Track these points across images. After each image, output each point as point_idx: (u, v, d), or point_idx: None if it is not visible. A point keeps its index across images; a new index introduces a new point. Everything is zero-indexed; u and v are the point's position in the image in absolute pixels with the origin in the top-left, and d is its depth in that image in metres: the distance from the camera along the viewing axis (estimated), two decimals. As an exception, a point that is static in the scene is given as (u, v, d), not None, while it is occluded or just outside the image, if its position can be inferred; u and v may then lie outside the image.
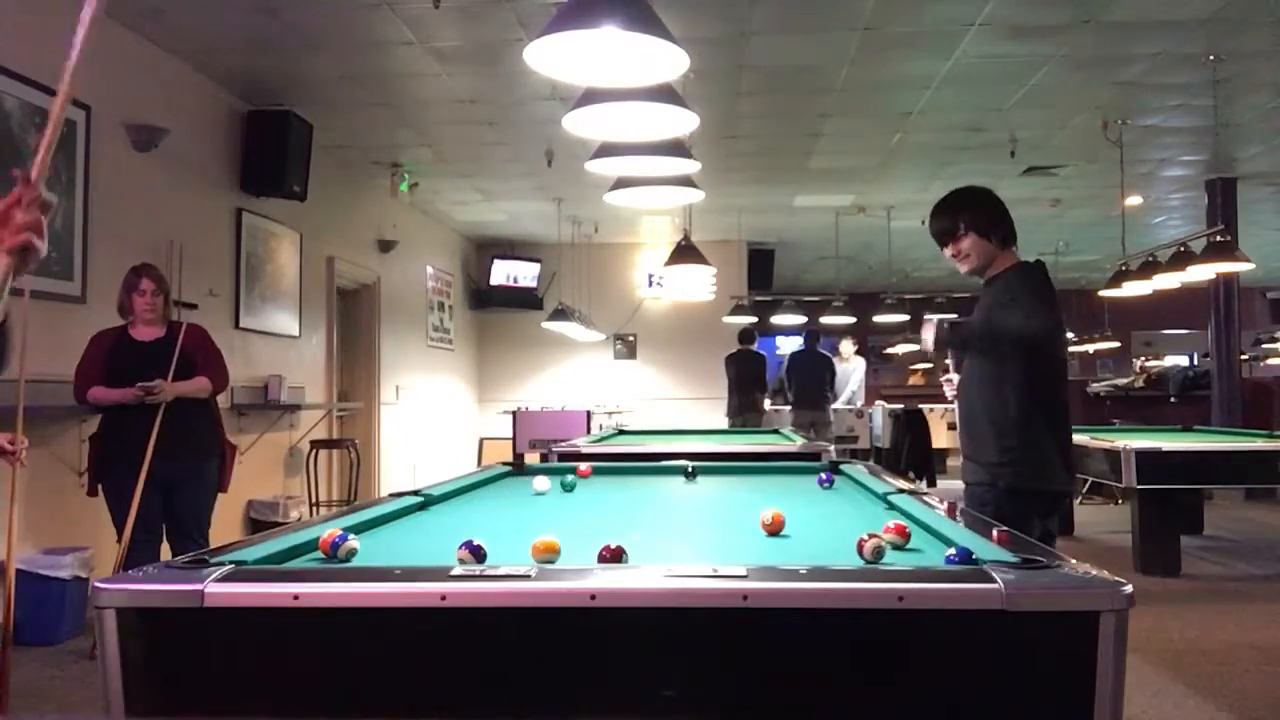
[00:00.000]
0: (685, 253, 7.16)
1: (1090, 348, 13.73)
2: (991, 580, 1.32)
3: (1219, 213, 8.69)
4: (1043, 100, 6.81)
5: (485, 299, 11.93)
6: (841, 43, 5.77)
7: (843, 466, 3.43)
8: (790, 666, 1.33)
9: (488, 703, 1.35)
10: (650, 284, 12.26)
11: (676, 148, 4.06)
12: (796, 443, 5.01)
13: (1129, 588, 1.30)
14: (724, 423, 9.79)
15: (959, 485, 3.20)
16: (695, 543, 2.20)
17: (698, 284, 9.29)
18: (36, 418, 4.29)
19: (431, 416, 10.51)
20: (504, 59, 5.84)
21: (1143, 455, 5.52)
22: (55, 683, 3.90)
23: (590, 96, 3.17)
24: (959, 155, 8.32)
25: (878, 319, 11.69)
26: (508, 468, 3.54)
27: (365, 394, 8.95)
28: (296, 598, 1.35)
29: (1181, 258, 7.13)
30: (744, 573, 1.35)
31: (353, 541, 1.72)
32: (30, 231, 1.35)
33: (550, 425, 9.39)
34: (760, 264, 12.55)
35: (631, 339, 12.45)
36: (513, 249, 12.06)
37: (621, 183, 4.65)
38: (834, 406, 10.23)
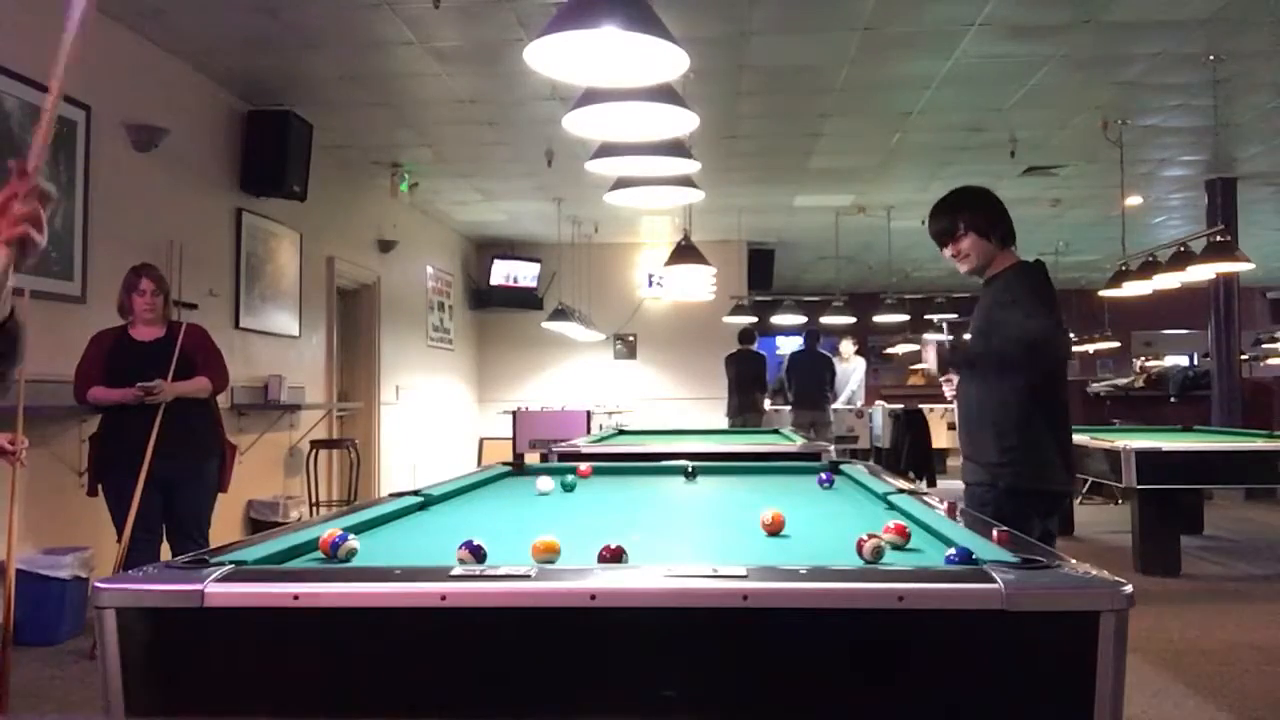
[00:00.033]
0: (685, 253, 7.16)
1: (1090, 348, 13.73)
2: (991, 580, 1.32)
3: (1219, 213, 8.69)
4: (1043, 100, 6.81)
5: (485, 299, 11.93)
6: (841, 43, 5.77)
7: (843, 466, 3.43)
8: (790, 666, 1.33)
9: (488, 703, 1.35)
10: (650, 284, 12.27)
11: (676, 148, 4.06)
12: (796, 443, 5.01)
13: (1129, 588, 1.30)
14: (724, 423, 9.79)
15: (959, 485, 3.21)
16: (695, 543, 2.20)
17: (698, 284, 9.30)
18: (36, 418, 4.30)
19: (431, 416, 10.51)
20: (504, 59, 5.84)
21: (1143, 455, 5.52)
22: (55, 683, 3.90)
23: (590, 96, 3.17)
24: (959, 155, 8.32)
25: (878, 319, 11.69)
26: (508, 468, 3.53)
27: (365, 394, 8.95)
28: (296, 598, 1.35)
29: (1181, 258, 7.13)
30: (744, 573, 1.35)
31: (353, 541, 1.72)
32: (28, 223, 1.33)
33: (550, 425, 9.39)
34: (760, 264, 12.55)
35: (631, 339, 12.45)
36: (513, 249, 12.06)
37: (621, 183, 4.65)
38: (834, 406, 10.23)
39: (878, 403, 11.75)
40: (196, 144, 6.16)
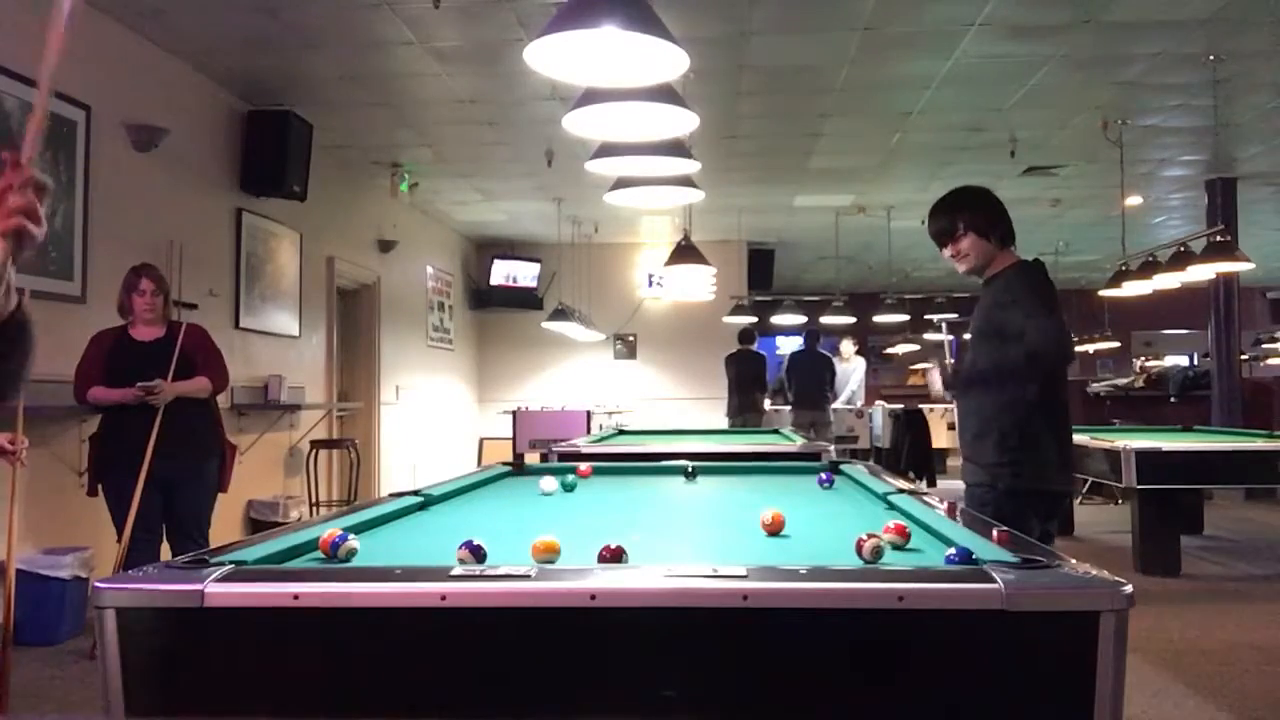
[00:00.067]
0: (685, 253, 7.16)
1: (1090, 348, 13.73)
2: (991, 580, 1.32)
3: (1219, 213, 8.69)
4: (1043, 100, 6.81)
5: (485, 299, 11.93)
6: (841, 43, 5.77)
7: (843, 466, 3.43)
8: (790, 666, 1.33)
9: (488, 703, 1.35)
10: (650, 284, 12.27)
11: (676, 148, 4.06)
12: (796, 443, 5.01)
13: (1129, 588, 1.30)
14: (724, 423, 9.79)
15: (959, 485, 3.21)
16: (695, 543, 2.20)
17: (698, 284, 9.30)
18: (36, 418, 4.30)
19: (431, 416, 10.51)
20: (504, 59, 5.84)
21: (1143, 455, 5.52)
22: (55, 683, 3.90)
23: (590, 96, 3.17)
24: (959, 155, 8.32)
25: (878, 319, 11.70)
26: (508, 468, 3.53)
27: (365, 394, 8.95)
28: (296, 598, 1.35)
29: (1181, 258, 7.13)
30: (744, 573, 1.35)
31: (353, 541, 1.72)
32: (23, 215, 1.29)
33: (550, 425, 9.39)
34: (760, 264, 12.55)
35: (631, 339, 12.45)
36: (513, 249, 12.06)
37: (621, 183, 4.65)
38: (834, 406, 10.23)
39: (878, 403, 11.75)
40: (196, 144, 6.16)
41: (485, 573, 1.41)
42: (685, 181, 4.59)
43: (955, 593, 1.32)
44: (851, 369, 11.33)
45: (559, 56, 2.58)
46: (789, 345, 13.78)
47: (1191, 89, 6.57)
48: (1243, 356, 10.96)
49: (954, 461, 10.30)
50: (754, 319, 11.01)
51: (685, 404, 11.91)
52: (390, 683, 1.34)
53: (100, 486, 4.30)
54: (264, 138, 6.64)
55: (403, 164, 8.46)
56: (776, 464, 3.95)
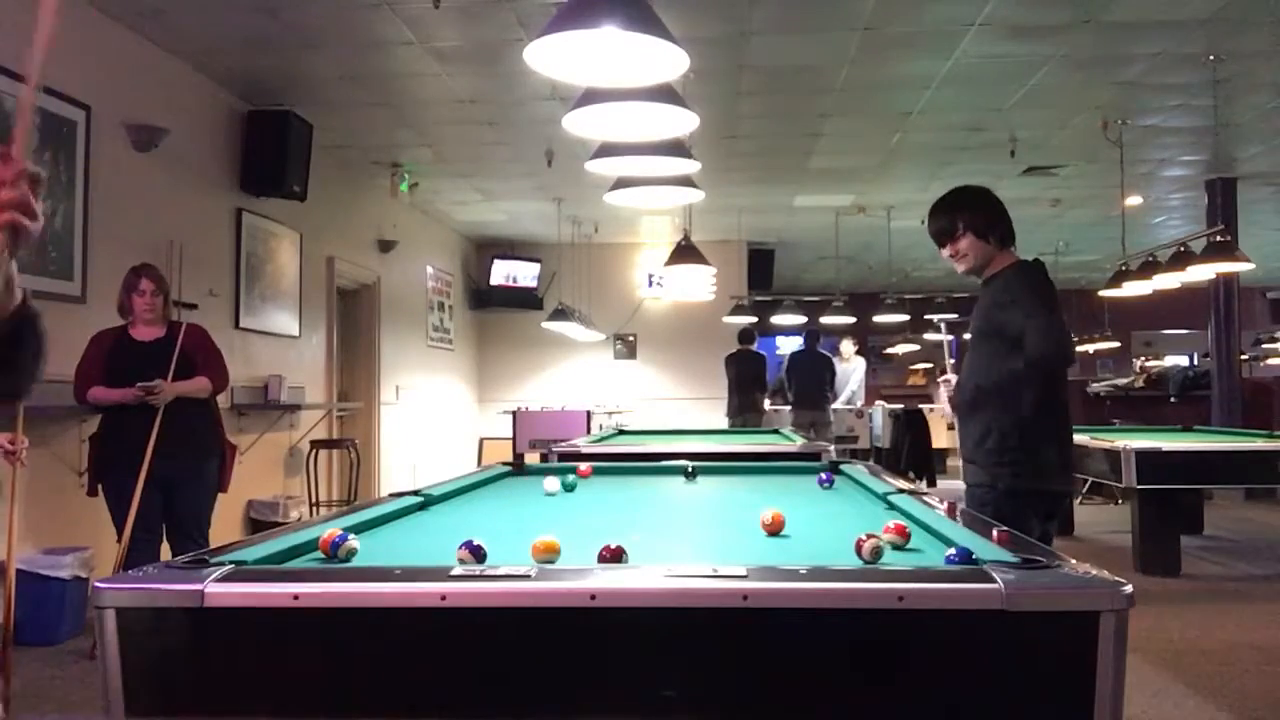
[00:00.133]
0: (685, 253, 7.16)
1: (1090, 348, 13.74)
2: (991, 580, 1.32)
3: (1219, 213, 8.69)
4: (1043, 100, 6.81)
5: (485, 299, 11.93)
6: (841, 43, 5.77)
7: (843, 466, 3.43)
8: (790, 666, 1.33)
9: (488, 703, 1.35)
10: (650, 284, 12.27)
11: (676, 148, 4.06)
12: (796, 443, 5.01)
13: (1129, 588, 1.30)
14: (724, 423, 9.79)
15: (959, 485, 3.21)
16: (695, 543, 2.20)
17: (698, 284, 9.30)
18: (37, 418, 4.30)
19: (431, 416, 10.51)
20: (504, 59, 5.84)
21: (1143, 455, 5.52)
22: (55, 683, 3.90)
23: (590, 96, 3.17)
24: (959, 155, 8.32)
25: (878, 319, 11.70)
26: (508, 468, 3.53)
27: (365, 394, 8.95)
28: (296, 598, 1.35)
29: (1181, 258, 7.13)
30: (744, 573, 1.35)
31: (353, 541, 1.72)
32: (15, 210, 1.24)
33: (550, 425, 9.39)
34: (760, 264, 12.55)
35: (631, 339, 12.45)
36: (513, 249, 12.06)
37: (621, 183, 4.65)
38: (834, 406, 10.23)
39: (878, 403, 11.75)
40: (196, 144, 6.16)
41: (485, 573, 1.41)
42: (685, 181, 4.59)
43: (955, 593, 1.32)
44: (851, 369, 11.33)
45: (559, 56, 2.58)
46: (789, 345, 13.78)
47: (1191, 89, 6.57)
48: (1243, 356, 10.96)
49: (954, 461, 10.30)
50: (754, 319, 11.01)
51: (685, 404, 11.91)
52: (390, 683, 1.34)
53: (100, 486, 4.30)
54: (264, 138, 6.64)
55: (403, 164, 8.46)
56: (776, 464, 3.95)
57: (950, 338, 4.00)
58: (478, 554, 1.58)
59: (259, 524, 6.38)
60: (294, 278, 7.40)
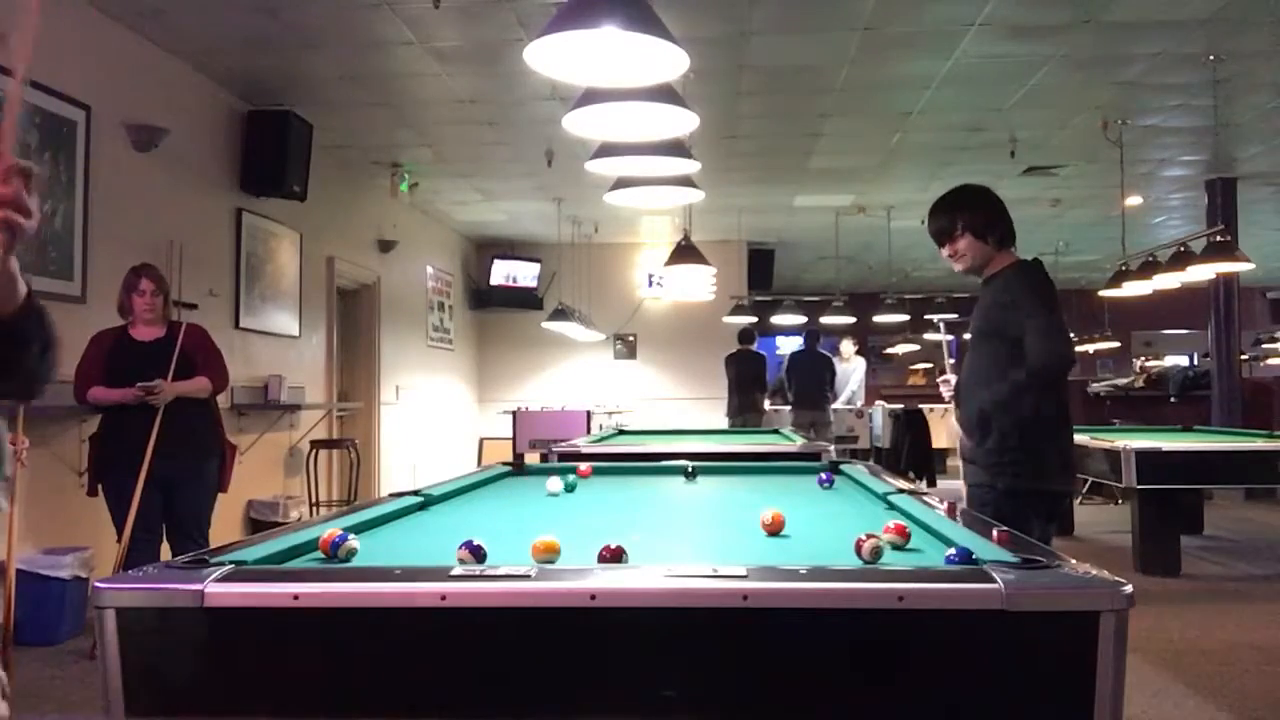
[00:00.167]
0: (685, 253, 7.16)
1: (1090, 348, 13.73)
2: (991, 580, 1.32)
3: (1219, 213, 8.69)
4: (1043, 100, 6.81)
5: (485, 299, 11.93)
6: (841, 43, 5.77)
7: (843, 466, 3.43)
8: (790, 666, 1.33)
9: (488, 703, 1.35)
10: (650, 284, 12.27)
11: (676, 148, 4.06)
12: (796, 443, 5.01)
13: (1129, 588, 1.30)
14: (724, 423, 9.79)
15: (959, 485, 3.21)
16: (695, 543, 2.20)
17: (698, 284, 9.30)
18: (37, 418, 4.30)
19: (431, 416, 10.51)
20: (504, 59, 5.84)
21: (1143, 455, 5.52)
22: (55, 683, 3.90)
23: (590, 96, 3.17)
24: (959, 155, 8.32)
25: (878, 319, 11.69)
26: (508, 468, 3.53)
27: (365, 394, 8.95)
28: (296, 598, 1.35)
29: (1181, 258, 7.13)
30: (744, 573, 1.35)
31: (353, 541, 1.72)
32: (7, 207, 1.21)
33: (550, 425, 9.39)
34: (760, 264, 12.55)
35: (631, 339, 12.45)
36: (513, 249, 12.06)
37: (621, 183, 4.65)
38: (834, 406, 10.23)
39: (878, 403, 11.75)
40: (196, 144, 6.16)
41: (485, 573, 1.41)
42: (685, 181, 4.59)
43: (955, 593, 1.32)
44: (851, 369, 11.33)
45: (559, 56, 2.58)
46: (789, 345, 13.78)
47: (1191, 89, 6.57)
48: (1243, 356, 10.96)
49: (954, 461, 10.29)
50: (754, 319, 11.02)
51: (685, 404, 11.91)
52: (390, 683, 1.34)
53: (100, 486, 4.30)
54: (264, 138, 6.64)
55: (403, 164, 8.46)
56: (776, 464, 3.95)
57: (950, 338, 4.00)
58: (478, 554, 1.58)
59: (259, 524, 6.38)
60: (294, 278, 7.40)
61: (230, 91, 6.52)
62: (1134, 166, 8.32)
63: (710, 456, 4.24)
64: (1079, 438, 5.39)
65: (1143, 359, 15.84)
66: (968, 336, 3.19)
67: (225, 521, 5.81)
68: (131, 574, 1.46)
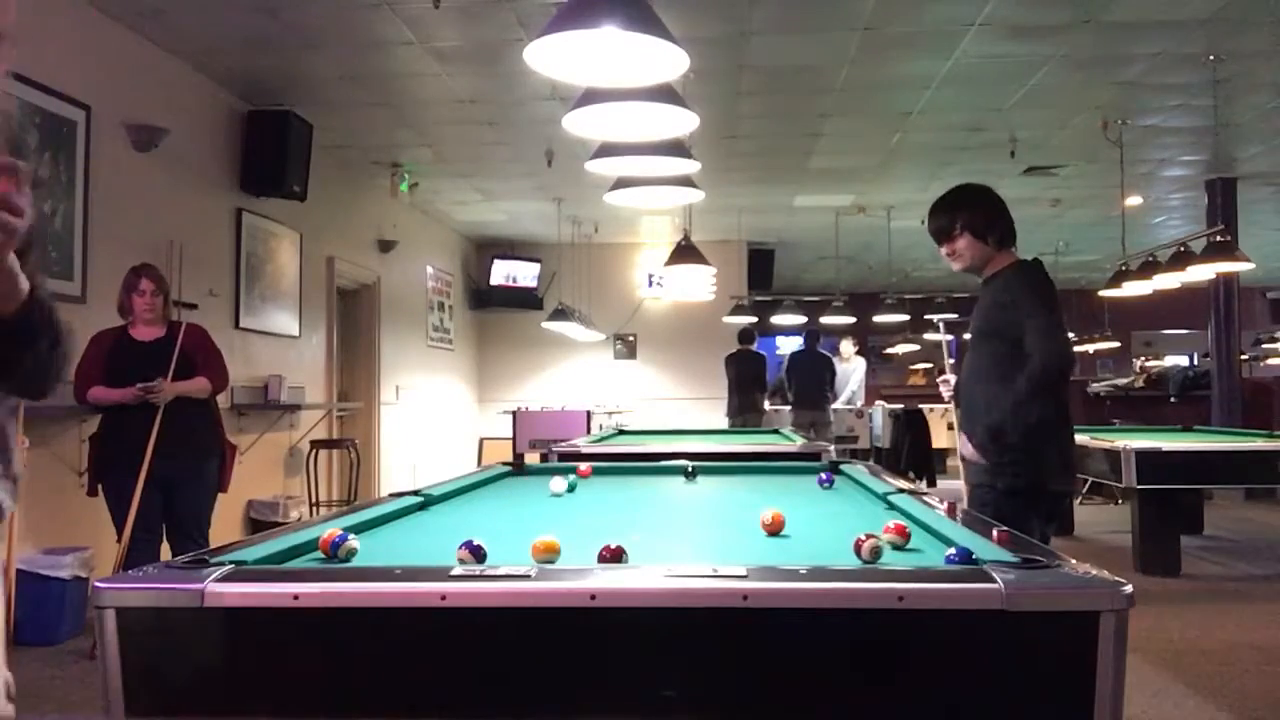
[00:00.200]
0: (685, 253, 7.16)
1: (1090, 348, 13.73)
2: (991, 580, 1.32)
3: (1219, 213, 8.69)
4: (1043, 100, 6.81)
5: (485, 299, 11.93)
6: (841, 43, 5.77)
7: (843, 466, 3.43)
8: (790, 666, 1.33)
9: (488, 703, 1.35)
10: (650, 284, 12.27)
11: (676, 148, 4.06)
12: (796, 443, 5.01)
13: (1129, 588, 1.30)
14: (724, 423, 9.79)
15: (959, 485, 3.20)
16: (695, 543, 2.20)
17: (698, 284, 9.30)
18: (37, 418, 4.30)
19: (431, 416, 10.51)
20: (504, 59, 5.84)
21: (1143, 455, 5.52)
22: (55, 683, 3.90)
23: (590, 96, 3.17)
24: (959, 155, 8.32)
25: (878, 319, 11.69)
26: (508, 468, 3.53)
27: (365, 394, 8.95)
28: (296, 598, 1.35)
29: (1181, 258, 7.13)
30: (744, 573, 1.35)
31: (353, 541, 1.72)
32: None
33: (550, 425, 9.39)
34: (760, 264, 12.55)
35: (631, 339, 12.45)
36: (513, 249, 12.06)
37: (621, 183, 4.65)
38: (834, 406, 10.23)
39: (878, 403, 11.75)
40: (196, 144, 6.16)
41: (485, 573, 1.41)
42: (685, 181, 4.59)
43: (955, 593, 1.32)
44: (851, 369, 11.33)
45: (559, 56, 2.58)
46: (789, 345, 13.78)
47: (1191, 89, 6.57)
48: (1243, 356, 10.96)
49: (954, 461, 10.29)
50: (754, 319, 11.01)
51: (685, 404, 11.91)
52: (390, 683, 1.34)
53: (100, 486, 4.30)
54: (264, 138, 6.64)
55: (403, 164, 8.46)
56: (776, 464, 3.95)
57: (950, 338, 4.00)
58: (478, 554, 1.58)
59: (259, 524, 6.38)
60: (294, 278, 7.40)
61: (230, 91, 6.52)
62: (1134, 166, 8.32)
63: (710, 456, 4.24)
64: (1079, 438, 5.37)
65: (1143, 359, 15.84)
66: (968, 336, 3.19)
67: (225, 521, 5.81)
68: (131, 574, 1.46)
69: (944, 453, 11.14)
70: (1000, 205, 3.11)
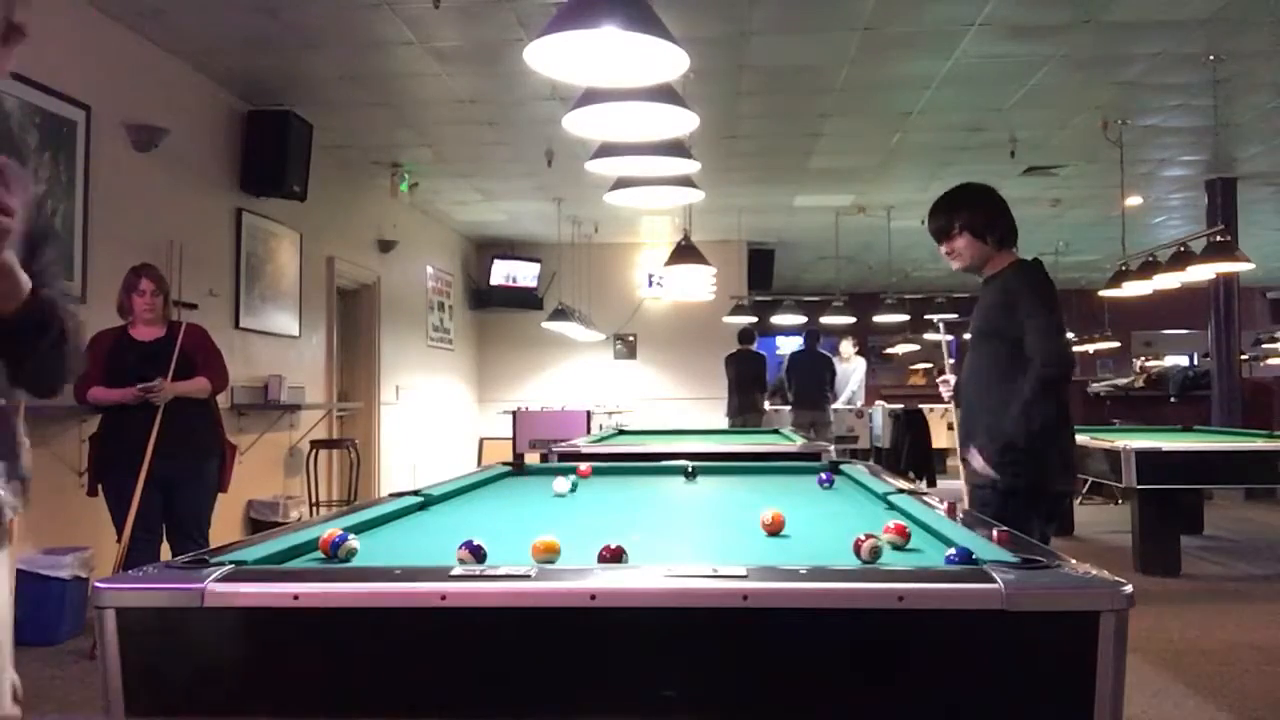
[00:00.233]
0: (685, 253, 7.16)
1: (1090, 348, 13.73)
2: (991, 580, 1.32)
3: (1219, 213, 8.69)
4: (1043, 100, 6.81)
5: (485, 299, 11.93)
6: (841, 43, 5.77)
7: (843, 466, 3.43)
8: (790, 666, 1.33)
9: (488, 703, 1.35)
10: (650, 284, 12.27)
11: (676, 148, 4.06)
12: (796, 443, 5.00)
13: (1129, 588, 1.30)
14: (724, 423, 9.79)
15: (959, 485, 3.20)
16: (695, 543, 2.20)
17: (698, 284, 9.30)
18: (37, 418, 4.30)
19: (431, 416, 10.51)
20: (504, 59, 5.84)
21: (1143, 455, 5.52)
22: (55, 683, 3.90)
23: (590, 96, 3.18)
24: (959, 155, 8.32)
25: (878, 319, 11.70)
26: (508, 468, 3.53)
27: (365, 394, 8.95)
28: (296, 598, 1.35)
29: (1181, 258, 7.13)
30: (744, 573, 1.35)
31: (353, 541, 1.72)
32: None
33: (550, 425, 9.39)
34: (760, 264, 12.55)
35: (631, 339, 12.45)
36: (513, 249, 12.06)
37: (621, 183, 4.65)
38: (834, 406, 10.23)
39: (878, 403, 11.75)
40: (196, 144, 6.16)
41: (485, 573, 1.41)
42: (685, 181, 4.59)
43: (955, 593, 1.32)
44: (851, 369, 11.33)
45: (559, 56, 2.58)
46: (789, 345, 13.78)
47: (1191, 89, 6.57)
48: (1243, 356, 10.96)
49: (954, 461, 10.29)
50: (754, 319, 11.01)
51: (685, 404, 11.91)
52: (390, 683, 1.34)
53: (100, 486, 4.30)
54: (264, 138, 6.64)
55: (403, 164, 8.46)
56: (776, 464, 3.95)
57: (950, 338, 4.00)
58: (478, 554, 1.58)
59: (259, 524, 6.38)
60: (294, 278, 7.40)
61: (230, 91, 6.52)
62: (1134, 166, 8.32)
63: (710, 456, 4.24)
64: (1079, 438, 5.37)
65: (1143, 359, 15.83)
66: (968, 336, 3.19)
67: (225, 521, 5.80)
68: (131, 574, 1.46)
69: (944, 453, 11.14)
70: (1001, 205, 3.11)
